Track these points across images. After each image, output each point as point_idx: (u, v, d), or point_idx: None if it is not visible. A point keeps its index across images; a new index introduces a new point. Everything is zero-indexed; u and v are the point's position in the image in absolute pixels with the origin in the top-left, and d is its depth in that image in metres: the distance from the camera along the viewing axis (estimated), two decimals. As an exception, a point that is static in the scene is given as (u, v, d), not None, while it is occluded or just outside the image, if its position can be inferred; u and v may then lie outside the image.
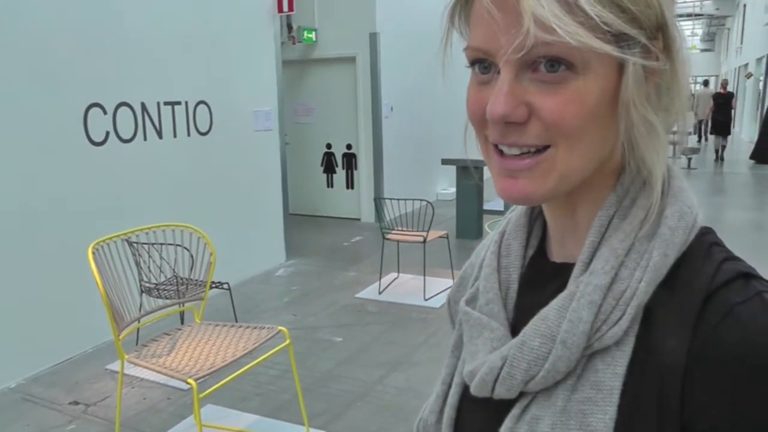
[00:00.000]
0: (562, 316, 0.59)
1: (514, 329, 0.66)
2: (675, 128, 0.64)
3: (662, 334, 0.56)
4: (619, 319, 0.57)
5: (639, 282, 0.57)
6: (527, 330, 0.61)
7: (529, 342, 0.60)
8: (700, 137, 19.34)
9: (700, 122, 18.03)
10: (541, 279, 0.68)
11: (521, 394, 0.61)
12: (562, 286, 0.62)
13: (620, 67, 0.56)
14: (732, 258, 0.60)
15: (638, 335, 0.57)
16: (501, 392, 0.62)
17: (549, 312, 0.60)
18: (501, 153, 0.60)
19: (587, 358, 0.58)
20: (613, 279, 0.58)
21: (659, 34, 0.57)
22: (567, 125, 0.56)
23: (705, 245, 0.61)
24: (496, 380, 0.62)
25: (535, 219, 0.73)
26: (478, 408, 0.67)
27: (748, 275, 0.58)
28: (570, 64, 0.55)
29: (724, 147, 15.03)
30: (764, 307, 0.54)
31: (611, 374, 0.57)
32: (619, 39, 0.54)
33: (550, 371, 0.58)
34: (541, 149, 0.58)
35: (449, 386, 0.74)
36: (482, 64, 0.59)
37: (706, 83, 19.13)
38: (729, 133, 15.50)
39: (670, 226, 0.59)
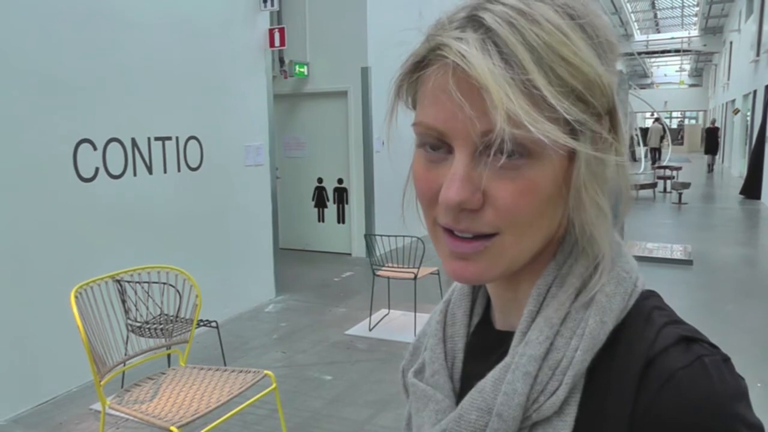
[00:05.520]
0: (498, 388, 0.59)
1: (461, 400, 0.65)
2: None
3: (604, 402, 0.56)
4: (556, 389, 0.56)
5: (575, 351, 0.57)
6: (464, 403, 0.61)
7: (466, 415, 0.60)
8: (653, 162, 22.44)
9: (653, 150, 23.01)
10: (485, 348, 0.68)
11: None
12: (505, 355, 0.61)
13: (571, 151, 0.56)
14: (673, 321, 0.59)
15: (580, 403, 0.57)
16: None
17: (486, 384, 0.60)
18: (451, 233, 0.59)
19: (529, 429, 0.58)
20: (549, 349, 0.58)
21: (607, 116, 0.57)
22: (520, 215, 0.56)
23: (646, 310, 0.60)
24: None
25: (479, 287, 0.73)
26: None
27: (690, 339, 0.56)
28: (528, 152, 0.54)
29: (713, 164, 22.39)
30: (705, 373, 0.54)
31: None
32: (572, 126, 0.54)
33: None
34: (490, 235, 0.58)
35: None
36: (432, 142, 0.59)
37: (656, 120, 24.20)
38: (717, 153, 22.82)
39: (607, 292, 0.59)
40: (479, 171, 0.55)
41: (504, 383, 0.58)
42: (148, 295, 3.60)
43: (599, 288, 0.59)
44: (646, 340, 0.56)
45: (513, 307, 0.66)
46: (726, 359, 0.56)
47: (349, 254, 8.66)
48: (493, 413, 0.57)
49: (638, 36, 32.90)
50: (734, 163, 21.15)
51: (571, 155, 0.56)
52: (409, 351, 0.78)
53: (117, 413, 3.37)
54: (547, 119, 0.52)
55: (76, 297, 2.75)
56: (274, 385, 2.98)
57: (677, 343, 0.55)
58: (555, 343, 0.58)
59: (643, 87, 40.29)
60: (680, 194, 13.42)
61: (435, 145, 0.58)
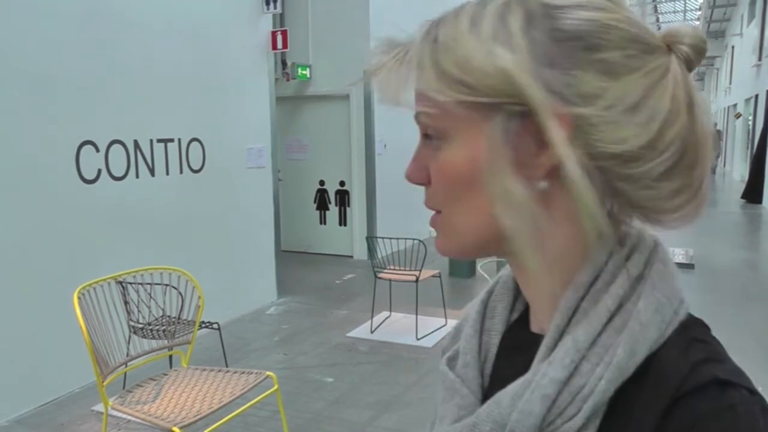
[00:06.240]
0: (515, 405, 0.56)
1: (487, 397, 0.63)
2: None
3: None
4: (574, 415, 0.54)
5: (599, 380, 0.54)
6: (481, 412, 0.59)
7: (481, 425, 0.58)
8: None
9: None
10: (517, 348, 0.66)
11: None
12: (532, 359, 0.59)
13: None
14: (713, 359, 0.54)
15: (599, 429, 0.54)
16: None
17: (504, 397, 0.58)
18: None
19: None
20: (572, 373, 0.55)
21: (518, 98, 0.53)
22: (439, 192, 0.61)
23: (685, 341, 0.55)
24: None
25: None
26: None
27: (726, 383, 0.51)
28: (441, 134, 0.59)
29: (715, 166, 22.68)
30: (734, 425, 0.49)
31: None
32: (480, 107, 0.55)
33: None
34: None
35: None
36: None
37: None
38: (718, 156, 23.86)
39: (642, 321, 0.54)
40: (426, 151, 0.62)
41: (521, 401, 0.56)
42: (151, 297, 3.61)
43: (634, 313, 0.55)
44: (677, 375, 0.52)
45: (538, 309, 0.65)
46: (765, 409, 0.51)
47: (351, 257, 8.66)
48: (507, 429, 0.56)
49: (640, 40, 32.86)
50: (736, 167, 21.13)
51: None
52: (450, 333, 0.77)
53: (119, 414, 3.38)
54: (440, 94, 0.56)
55: (79, 298, 2.76)
56: (276, 387, 2.98)
57: (710, 385, 0.51)
58: (580, 368, 0.55)
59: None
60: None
61: None
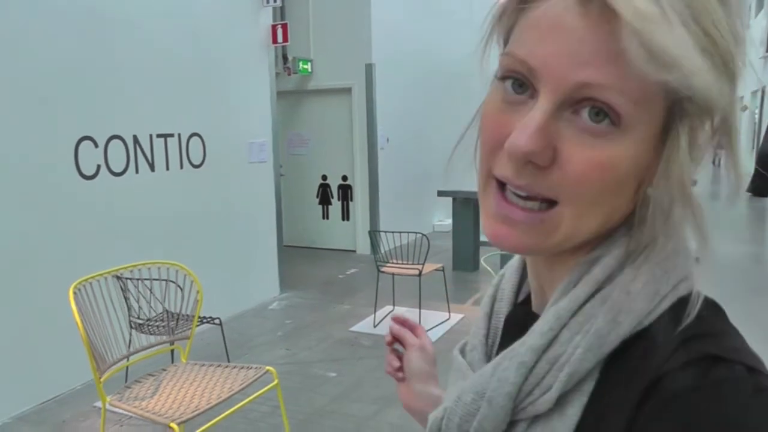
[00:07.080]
0: (495, 373, 0.54)
1: None
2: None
3: (606, 412, 0.49)
4: (551, 386, 0.51)
5: (576, 348, 0.50)
6: (465, 384, 0.58)
7: (464, 396, 0.57)
8: None
9: None
10: (518, 329, 0.61)
11: None
12: None
13: (664, 130, 0.49)
14: (709, 334, 0.49)
15: (587, 407, 0.51)
16: None
17: (487, 368, 0.56)
18: (502, 193, 0.53)
19: (529, 423, 0.53)
20: (552, 341, 0.52)
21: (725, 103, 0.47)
22: (587, 187, 0.49)
23: (679, 316, 0.49)
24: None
25: None
26: None
27: (718, 358, 0.46)
28: (617, 117, 0.47)
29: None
30: (717, 402, 0.44)
31: None
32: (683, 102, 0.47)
33: (478, 430, 0.55)
34: (549, 204, 0.51)
35: None
36: (517, 80, 0.51)
37: None
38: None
39: (629, 290, 0.50)
40: (558, 126, 0.49)
41: (500, 369, 0.54)
42: (150, 292, 3.58)
43: (621, 283, 0.51)
44: (663, 351, 0.48)
45: (549, 290, 0.59)
46: (760, 388, 0.45)
47: (354, 251, 8.64)
48: (485, 398, 0.54)
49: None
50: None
51: (663, 136, 0.49)
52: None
53: (119, 410, 3.36)
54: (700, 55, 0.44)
55: (75, 293, 2.73)
56: (276, 381, 2.96)
57: (699, 361, 0.46)
58: (559, 337, 0.52)
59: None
60: (687, 191, 13.34)
61: (518, 83, 0.51)
